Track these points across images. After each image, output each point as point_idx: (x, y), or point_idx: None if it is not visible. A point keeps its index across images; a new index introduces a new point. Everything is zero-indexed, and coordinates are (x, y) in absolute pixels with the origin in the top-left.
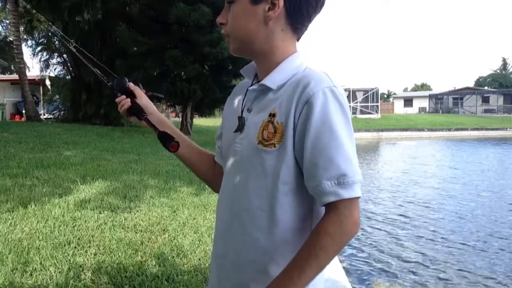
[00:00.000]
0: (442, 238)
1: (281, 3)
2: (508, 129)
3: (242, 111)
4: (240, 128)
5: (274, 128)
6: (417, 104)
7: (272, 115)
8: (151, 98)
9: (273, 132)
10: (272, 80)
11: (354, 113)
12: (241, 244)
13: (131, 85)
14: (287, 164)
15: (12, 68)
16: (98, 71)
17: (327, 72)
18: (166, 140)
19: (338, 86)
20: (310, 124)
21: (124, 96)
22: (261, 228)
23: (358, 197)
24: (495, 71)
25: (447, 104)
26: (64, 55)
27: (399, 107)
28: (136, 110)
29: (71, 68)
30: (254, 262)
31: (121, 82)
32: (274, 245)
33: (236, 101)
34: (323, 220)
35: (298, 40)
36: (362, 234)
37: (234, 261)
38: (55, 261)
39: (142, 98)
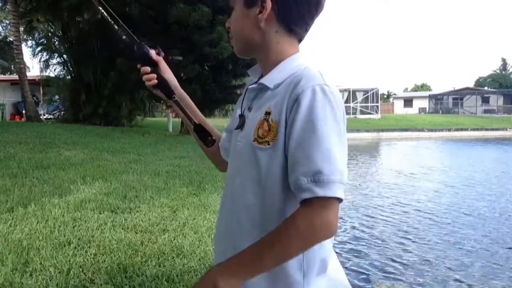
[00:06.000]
0: (444, 239)
1: (269, 6)
2: (508, 129)
3: (243, 110)
4: (240, 126)
5: (268, 126)
6: (417, 104)
7: (268, 113)
8: (170, 63)
9: (267, 130)
10: (270, 79)
11: (354, 113)
12: (239, 241)
13: (153, 54)
14: (279, 162)
15: (12, 68)
16: (123, 33)
17: (322, 71)
18: (204, 135)
19: (331, 84)
20: (296, 120)
21: (148, 68)
22: (257, 225)
23: (337, 198)
24: (495, 71)
25: (447, 104)
26: (64, 56)
27: (399, 107)
28: (166, 88)
29: (71, 68)
30: None
31: (144, 51)
32: None
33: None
34: (295, 213)
35: (299, 41)
36: (363, 233)
37: None
38: (55, 261)
39: (167, 73)
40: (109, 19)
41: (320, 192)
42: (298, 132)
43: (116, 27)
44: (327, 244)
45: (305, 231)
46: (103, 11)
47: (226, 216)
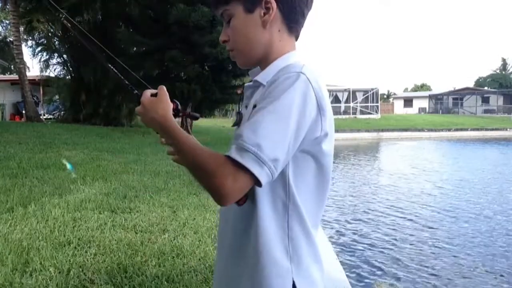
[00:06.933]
0: (443, 240)
1: (274, 5)
2: (508, 129)
3: (240, 108)
4: (237, 123)
5: None
6: (417, 104)
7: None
8: (189, 117)
9: None
10: (264, 76)
11: (354, 113)
12: (234, 233)
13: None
14: None
15: (12, 68)
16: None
17: (308, 64)
18: None
19: (309, 73)
20: (263, 95)
21: None
22: (246, 219)
23: (249, 171)
24: (495, 71)
25: (447, 104)
26: (64, 56)
27: (399, 107)
28: None
29: (71, 68)
30: (244, 249)
31: None
32: (254, 235)
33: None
34: (220, 155)
35: (296, 38)
36: (363, 230)
37: (229, 250)
38: (55, 261)
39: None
40: (125, 80)
41: (233, 153)
42: (260, 103)
43: (126, 82)
44: (313, 232)
45: (204, 166)
46: (118, 74)
47: (224, 213)
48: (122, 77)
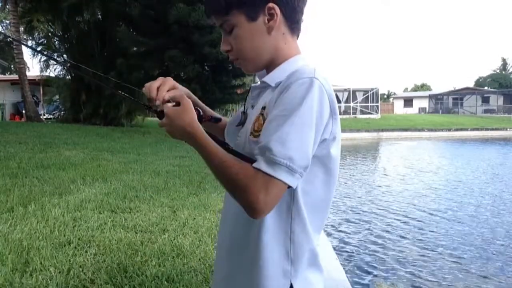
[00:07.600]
0: (442, 240)
1: (278, 11)
2: (508, 129)
3: (246, 107)
4: (242, 122)
5: (263, 120)
6: (417, 104)
7: (263, 108)
8: (211, 121)
9: (262, 123)
10: (272, 78)
11: (354, 113)
12: (233, 232)
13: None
14: None
15: (12, 68)
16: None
17: (319, 68)
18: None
19: (321, 78)
20: (278, 102)
21: None
22: (248, 218)
23: (282, 182)
24: (495, 71)
25: (447, 104)
26: (64, 55)
27: (399, 107)
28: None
29: (71, 68)
30: (243, 248)
31: None
32: (255, 235)
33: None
34: (248, 166)
35: (298, 37)
36: (361, 232)
37: (228, 249)
38: (55, 261)
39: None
40: (139, 101)
41: (263, 167)
42: (276, 110)
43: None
44: (316, 236)
45: (235, 181)
46: (123, 93)
47: (226, 211)
48: (144, 104)
